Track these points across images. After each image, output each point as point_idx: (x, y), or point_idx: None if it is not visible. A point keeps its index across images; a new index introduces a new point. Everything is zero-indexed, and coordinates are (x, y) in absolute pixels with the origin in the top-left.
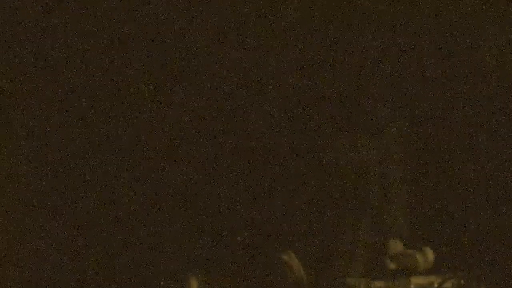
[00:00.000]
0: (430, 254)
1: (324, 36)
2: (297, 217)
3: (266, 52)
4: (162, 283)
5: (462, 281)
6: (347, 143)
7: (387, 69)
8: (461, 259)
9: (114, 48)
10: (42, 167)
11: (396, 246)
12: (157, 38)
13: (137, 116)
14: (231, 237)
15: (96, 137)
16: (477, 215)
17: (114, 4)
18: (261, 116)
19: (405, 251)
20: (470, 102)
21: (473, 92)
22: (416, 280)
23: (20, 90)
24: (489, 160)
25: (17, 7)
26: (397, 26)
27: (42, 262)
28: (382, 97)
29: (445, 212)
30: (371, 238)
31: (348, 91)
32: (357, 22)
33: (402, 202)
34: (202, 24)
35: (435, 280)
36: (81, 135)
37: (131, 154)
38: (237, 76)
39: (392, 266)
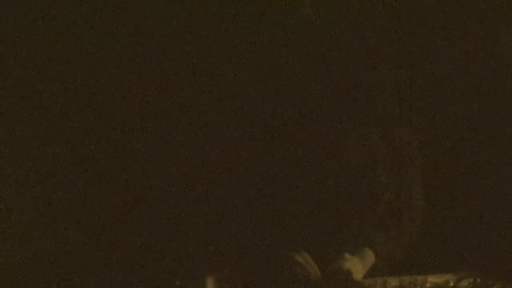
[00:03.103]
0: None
1: (331, 31)
2: (309, 216)
3: (271, 47)
4: (178, 282)
5: (478, 280)
6: (358, 140)
7: (400, 63)
8: (477, 258)
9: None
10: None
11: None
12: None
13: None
14: (245, 237)
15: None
16: (494, 212)
17: None
18: (272, 115)
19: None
20: (487, 99)
21: (491, 88)
22: (432, 279)
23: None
24: (507, 159)
25: None
26: (406, 21)
27: (54, 262)
28: (392, 92)
29: (461, 209)
30: (384, 236)
31: (356, 85)
32: (365, 16)
33: (415, 199)
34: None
35: (451, 278)
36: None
37: (141, 151)
38: (240, 69)
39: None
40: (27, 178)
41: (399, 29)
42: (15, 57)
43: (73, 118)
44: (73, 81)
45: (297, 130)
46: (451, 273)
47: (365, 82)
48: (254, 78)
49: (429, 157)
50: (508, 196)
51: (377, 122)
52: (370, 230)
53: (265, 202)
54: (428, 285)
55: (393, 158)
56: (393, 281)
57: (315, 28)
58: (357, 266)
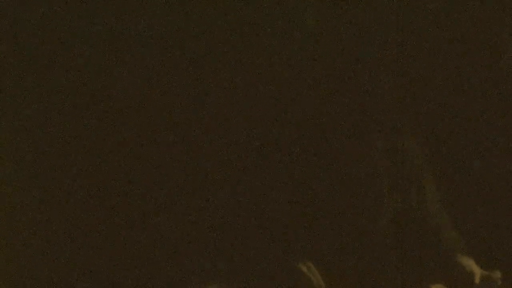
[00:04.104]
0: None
1: (337, 38)
2: (313, 226)
3: (276, 53)
4: None
5: None
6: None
7: (403, 69)
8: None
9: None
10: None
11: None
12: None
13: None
14: (249, 246)
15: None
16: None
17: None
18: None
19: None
20: (494, 103)
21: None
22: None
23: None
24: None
25: None
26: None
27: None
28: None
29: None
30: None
31: (360, 92)
32: (370, 23)
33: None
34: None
35: None
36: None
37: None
38: (244, 76)
39: None
40: (30, 178)
41: (401, 37)
42: (18, 57)
43: (75, 118)
44: (76, 81)
45: (302, 139)
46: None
47: (368, 90)
48: (256, 84)
49: (435, 165)
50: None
51: (380, 131)
52: (375, 239)
53: (269, 211)
54: None
55: (398, 168)
56: None
57: (317, 36)
58: None
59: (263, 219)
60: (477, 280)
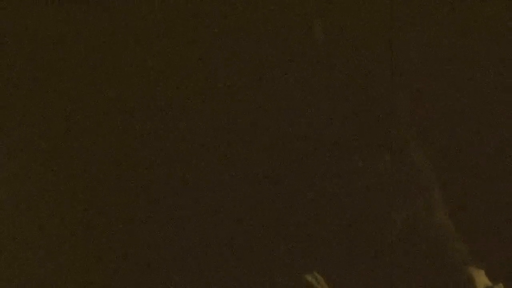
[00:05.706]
0: None
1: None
2: (322, 238)
3: (284, 65)
4: None
5: None
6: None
7: (411, 82)
8: None
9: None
10: None
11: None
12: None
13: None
14: (255, 257)
15: None
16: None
17: None
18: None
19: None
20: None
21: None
22: None
23: None
24: None
25: None
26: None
27: None
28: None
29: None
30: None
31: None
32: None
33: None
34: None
35: None
36: None
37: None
38: (252, 92)
39: None
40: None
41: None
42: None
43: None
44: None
45: (311, 152)
46: None
47: (376, 103)
48: (265, 99)
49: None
50: None
51: (388, 143)
52: (382, 251)
53: (277, 223)
54: None
55: (406, 180)
56: None
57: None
58: None
59: (272, 231)
60: None
